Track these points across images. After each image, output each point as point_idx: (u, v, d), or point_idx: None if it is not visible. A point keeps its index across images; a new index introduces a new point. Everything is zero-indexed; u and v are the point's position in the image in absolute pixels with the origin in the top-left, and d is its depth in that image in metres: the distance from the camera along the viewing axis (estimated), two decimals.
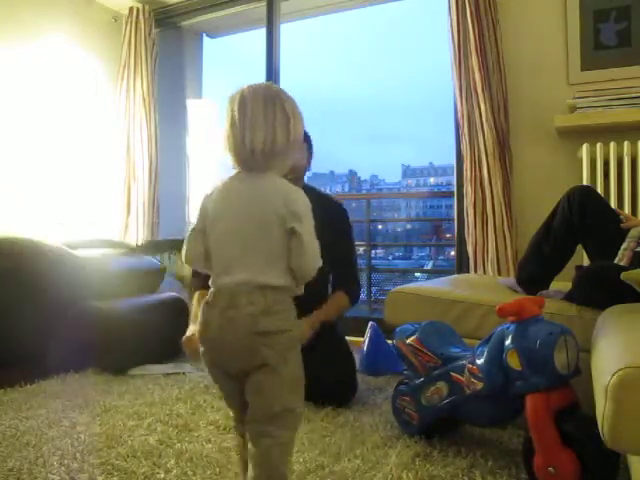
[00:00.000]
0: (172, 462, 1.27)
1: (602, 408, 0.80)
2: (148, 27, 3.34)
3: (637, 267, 1.38)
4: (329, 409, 1.67)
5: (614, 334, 1.02)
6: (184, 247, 0.99)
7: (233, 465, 1.26)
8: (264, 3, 3.20)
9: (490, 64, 2.44)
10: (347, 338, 1.93)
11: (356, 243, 2.08)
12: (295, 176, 1.89)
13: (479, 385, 1.25)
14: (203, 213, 0.98)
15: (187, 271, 2.76)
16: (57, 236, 2.54)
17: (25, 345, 2.03)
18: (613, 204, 2.07)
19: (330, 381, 1.72)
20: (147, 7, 3.35)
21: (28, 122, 2.91)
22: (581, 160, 2.21)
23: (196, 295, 1.72)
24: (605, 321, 1.19)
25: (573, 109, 2.28)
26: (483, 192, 2.45)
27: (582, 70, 2.37)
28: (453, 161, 2.69)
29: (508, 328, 1.21)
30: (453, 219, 2.70)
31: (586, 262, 1.84)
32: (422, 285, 1.93)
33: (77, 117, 3.19)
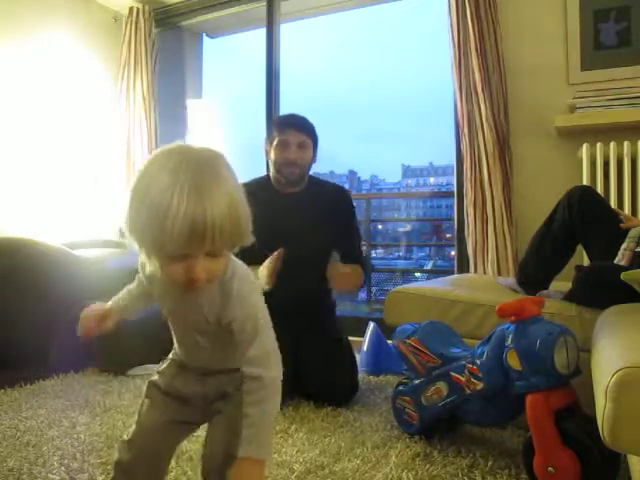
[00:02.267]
0: (172, 462, 1.26)
1: (602, 408, 0.79)
2: (148, 27, 3.34)
3: (637, 267, 1.38)
4: (329, 409, 1.67)
5: (614, 334, 1.02)
6: None
7: None
8: (264, 3, 3.20)
9: (490, 64, 2.43)
10: (347, 338, 1.93)
11: (358, 225, 2.11)
12: (302, 171, 1.89)
13: (479, 385, 1.25)
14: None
15: None
16: (57, 236, 2.54)
17: (25, 345, 2.03)
18: (613, 204, 2.07)
19: (331, 381, 1.72)
20: (147, 7, 3.35)
21: (28, 122, 2.90)
22: (581, 160, 2.21)
23: None
24: (605, 321, 1.19)
25: (573, 109, 2.28)
26: (483, 192, 2.45)
27: (582, 70, 2.36)
28: (453, 161, 2.69)
29: (508, 328, 1.21)
30: (453, 219, 2.70)
31: (586, 262, 1.84)
32: (422, 285, 1.93)
33: (77, 117, 3.19)
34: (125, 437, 0.93)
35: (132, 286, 0.96)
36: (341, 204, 1.98)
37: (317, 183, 2.01)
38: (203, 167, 0.70)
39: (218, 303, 0.80)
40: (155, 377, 0.95)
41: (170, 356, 0.97)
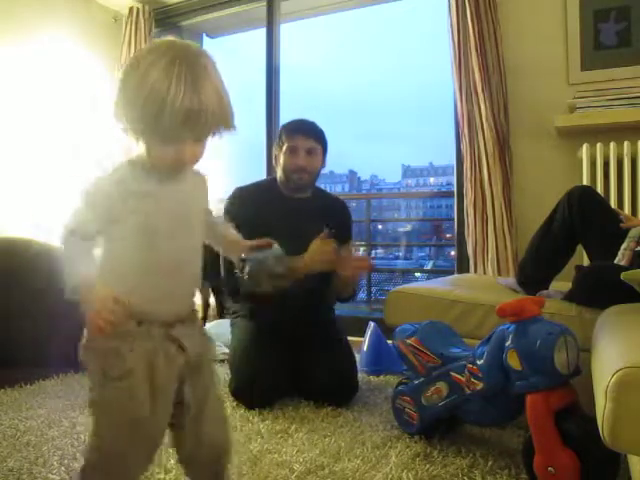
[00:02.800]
0: (172, 462, 1.26)
1: (602, 408, 0.80)
2: (148, 27, 3.35)
3: (637, 267, 1.38)
4: (329, 409, 1.67)
5: (614, 334, 1.02)
6: None
7: (233, 465, 1.26)
8: (264, 3, 3.20)
9: (490, 64, 2.43)
10: (347, 338, 1.93)
11: (356, 243, 2.10)
12: (311, 177, 1.89)
13: (479, 385, 1.25)
14: None
15: None
16: (57, 236, 2.54)
17: (25, 345, 2.03)
18: (613, 204, 2.07)
19: (331, 381, 1.72)
20: (147, 7, 3.35)
21: (28, 122, 2.91)
22: (581, 160, 2.21)
23: None
24: (605, 321, 1.19)
25: (573, 109, 2.28)
26: (483, 192, 2.45)
27: (582, 70, 2.37)
28: (453, 161, 2.69)
29: (508, 328, 1.21)
30: (453, 219, 2.70)
31: (586, 262, 1.84)
32: (422, 285, 1.93)
33: (77, 117, 3.19)
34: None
35: (83, 251, 0.82)
36: (341, 217, 2.01)
37: (321, 193, 2.04)
38: (193, 60, 0.79)
39: (200, 189, 0.92)
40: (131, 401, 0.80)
41: (124, 351, 0.81)
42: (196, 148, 0.83)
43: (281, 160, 1.87)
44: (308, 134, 1.86)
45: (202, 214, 0.92)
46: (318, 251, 1.70)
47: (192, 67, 0.78)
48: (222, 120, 0.82)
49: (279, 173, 1.91)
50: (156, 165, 0.83)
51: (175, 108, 0.75)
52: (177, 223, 0.85)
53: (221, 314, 2.92)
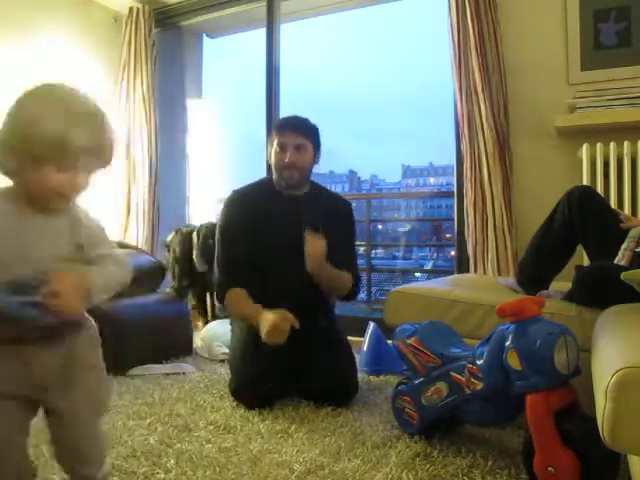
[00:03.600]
0: (172, 462, 1.27)
1: (602, 408, 0.80)
2: (148, 27, 3.34)
3: (637, 267, 1.38)
4: (329, 409, 1.67)
5: (614, 334, 1.02)
6: None
7: (233, 465, 1.26)
8: (264, 3, 3.20)
9: (490, 64, 2.43)
10: (347, 338, 1.93)
11: (356, 243, 2.08)
12: (302, 174, 1.88)
13: (479, 385, 1.25)
14: None
15: None
16: None
17: None
18: (613, 204, 2.07)
19: (331, 381, 1.72)
20: (147, 7, 3.35)
21: None
22: (581, 160, 2.21)
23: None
24: (605, 321, 1.19)
25: (573, 109, 2.28)
26: (483, 192, 2.45)
27: (582, 70, 2.37)
28: (453, 161, 2.69)
29: (508, 328, 1.21)
30: (453, 219, 2.70)
31: (586, 262, 1.84)
32: (422, 285, 1.93)
33: None
34: None
35: None
36: (341, 216, 1.97)
37: (322, 191, 2.01)
38: (76, 93, 0.91)
39: (74, 229, 0.88)
40: None
41: None
42: (83, 179, 0.84)
43: (272, 157, 1.87)
44: (297, 130, 1.85)
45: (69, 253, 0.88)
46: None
47: (69, 102, 0.86)
48: (97, 154, 0.85)
49: (273, 171, 1.90)
50: (37, 197, 0.83)
51: (78, 135, 0.81)
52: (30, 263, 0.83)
53: (214, 314, 2.93)
